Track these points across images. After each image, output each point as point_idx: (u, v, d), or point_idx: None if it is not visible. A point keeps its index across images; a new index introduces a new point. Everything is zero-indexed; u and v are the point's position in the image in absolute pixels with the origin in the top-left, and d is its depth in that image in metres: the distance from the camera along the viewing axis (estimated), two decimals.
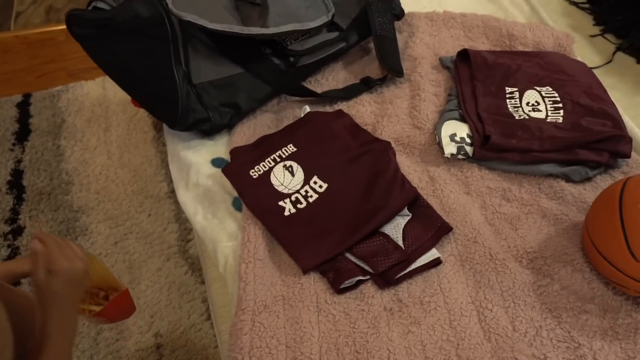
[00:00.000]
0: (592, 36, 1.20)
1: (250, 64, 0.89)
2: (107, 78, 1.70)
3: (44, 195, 1.40)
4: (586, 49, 1.16)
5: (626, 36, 1.18)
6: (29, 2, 2.03)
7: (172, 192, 1.41)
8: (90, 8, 0.92)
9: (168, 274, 1.26)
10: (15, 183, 1.41)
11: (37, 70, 1.76)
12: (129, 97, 1.62)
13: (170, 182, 1.42)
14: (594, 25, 1.23)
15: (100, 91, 1.69)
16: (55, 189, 1.41)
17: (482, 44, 1.10)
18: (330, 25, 0.97)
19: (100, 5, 0.90)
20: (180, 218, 1.36)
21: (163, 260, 1.27)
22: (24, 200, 1.38)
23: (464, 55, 1.02)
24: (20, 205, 1.37)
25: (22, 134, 1.54)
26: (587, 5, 1.28)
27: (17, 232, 1.32)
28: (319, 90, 0.97)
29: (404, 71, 1.01)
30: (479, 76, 0.96)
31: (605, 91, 0.95)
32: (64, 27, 2.15)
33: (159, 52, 0.83)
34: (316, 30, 0.93)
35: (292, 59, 0.92)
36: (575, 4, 1.29)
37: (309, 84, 0.99)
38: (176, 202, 1.38)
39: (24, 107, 1.62)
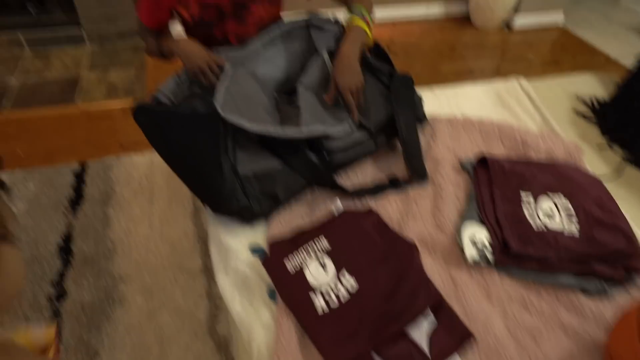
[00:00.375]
0: (599, 146, 1.31)
1: (289, 158, 1.01)
2: (155, 153, 1.90)
3: (88, 261, 1.51)
4: (594, 158, 1.27)
5: (632, 148, 1.29)
6: (93, 80, 2.28)
7: (206, 268, 1.51)
8: (153, 101, 1.10)
9: (197, 354, 1.30)
10: (65, 247, 1.54)
11: (95, 141, 1.96)
12: (172, 173, 1.78)
13: (205, 257, 1.52)
14: (600, 136, 1.35)
15: (147, 165, 1.85)
16: (99, 255, 1.53)
17: (498, 149, 1.22)
18: (361, 126, 1.10)
19: (162, 99, 1.07)
20: (212, 294, 1.43)
21: (192, 337, 1.33)
22: (70, 265, 1.50)
23: (483, 160, 1.13)
24: (67, 269, 1.49)
25: (76, 200, 1.70)
26: (592, 116, 1.41)
27: (61, 295, 1.42)
28: (348, 183, 1.09)
29: (428, 172, 1.12)
30: (496, 182, 1.07)
31: (615, 203, 1.04)
32: (122, 102, 2.40)
33: (210, 144, 0.96)
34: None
35: (326, 155, 1.04)
36: (582, 115, 1.42)
37: (340, 177, 1.11)
38: (208, 278, 1.48)
39: (79, 176, 1.79)
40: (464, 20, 3.09)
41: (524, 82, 1.51)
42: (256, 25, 1.20)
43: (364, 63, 1.13)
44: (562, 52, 2.82)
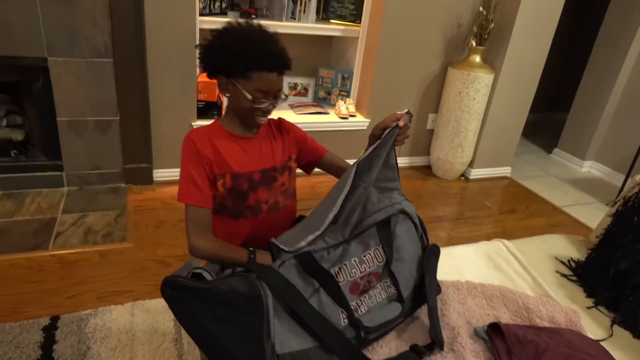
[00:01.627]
0: (588, 308, 1.41)
1: (325, 336, 0.99)
2: (136, 304, 1.82)
3: None
4: (585, 320, 1.35)
5: (616, 310, 1.39)
6: (70, 224, 2.21)
7: None
8: (189, 275, 1.07)
9: None
10: None
11: (67, 291, 1.83)
12: (155, 327, 1.67)
13: None
14: (586, 297, 1.46)
15: (127, 317, 1.73)
16: None
17: (503, 314, 1.28)
18: (398, 298, 1.13)
19: (204, 273, 1.05)
20: None
21: None
22: None
23: (495, 326, 1.18)
24: None
25: None
26: (574, 279, 1.53)
27: None
28: (375, 357, 1.08)
29: (446, 340, 1.15)
30: (515, 351, 1.11)
31: None
32: (100, 248, 2.32)
33: (252, 326, 0.93)
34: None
35: (362, 334, 1.05)
36: (566, 277, 1.54)
37: (367, 351, 1.10)
38: None
39: (49, 332, 1.63)
40: (426, 169, 3.40)
41: (508, 243, 1.65)
42: (279, 189, 1.28)
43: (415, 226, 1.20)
44: (516, 201, 3.13)
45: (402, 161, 3.35)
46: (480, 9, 2.87)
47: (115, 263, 2.02)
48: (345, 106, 3.03)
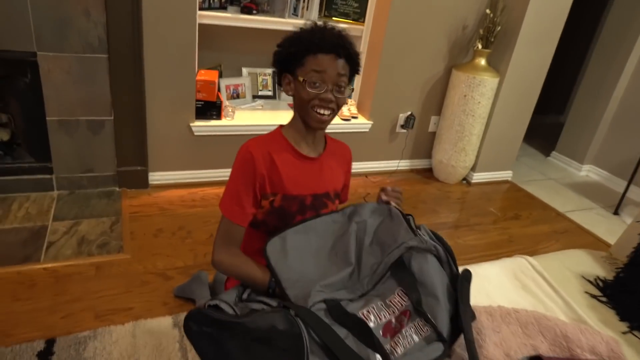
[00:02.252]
0: (623, 333, 1.35)
1: None
2: (137, 324, 1.70)
3: None
4: (623, 346, 1.29)
5: None
6: (62, 232, 2.06)
7: None
8: (206, 307, 0.97)
9: None
10: None
11: (62, 310, 1.70)
12: (160, 349, 1.56)
13: None
14: (619, 320, 1.40)
15: (129, 339, 1.62)
16: None
17: (541, 343, 1.22)
18: (438, 337, 1.05)
19: (222, 305, 0.95)
20: None
21: None
22: None
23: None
24: None
25: None
26: (604, 299, 1.48)
27: None
28: None
29: None
30: None
31: None
32: (95, 260, 2.16)
33: None
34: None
35: None
36: (596, 298, 1.48)
37: None
38: None
39: (45, 357, 1.50)
40: (427, 172, 3.33)
41: (532, 261, 1.58)
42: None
43: (436, 256, 1.12)
44: (519, 207, 3.09)
45: (402, 164, 3.28)
46: (487, 11, 2.79)
47: (112, 277, 1.89)
48: (347, 107, 2.93)
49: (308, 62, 1.08)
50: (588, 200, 3.34)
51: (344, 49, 1.09)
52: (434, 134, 3.26)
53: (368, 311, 0.98)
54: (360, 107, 3.06)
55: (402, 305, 1.03)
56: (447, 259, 1.13)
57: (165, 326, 1.70)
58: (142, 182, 2.51)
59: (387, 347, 0.97)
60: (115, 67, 2.21)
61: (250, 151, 1.10)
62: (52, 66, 2.11)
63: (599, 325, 1.35)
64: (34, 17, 1.99)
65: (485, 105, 2.92)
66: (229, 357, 0.91)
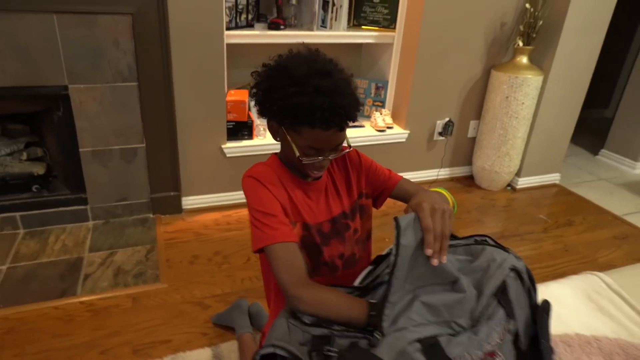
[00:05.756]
0: None
1: None
2: (176, 357, 1.61)
3: None
4: None
5: None
6: (98, 264, 2.03)
7: None
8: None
9: None
10: None
11: (100, 345, 1.64)
12: None
13: None
14: None
15: None
16: None
17: None
18: None
19: (279, 352, 0.83)
20: None
21: None
22: None
23: None
24: None
25: None
26: None
27: None
28: None
29: None
30: None
31: None
32: (132, 291, 2.07)
33: None
34: None
35: None
36: None
37: None
38: None
39: None
40: (468, 180, 3.16)
41: (605, 278, 1.41)
42: (352, 239, 1.07)
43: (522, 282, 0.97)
44: (571, 211, 2.88)
45: (442, 173, 3.12)
46: (527, 5, 2.63)
47: (149, 308, 1.83)
48: (382, 117, 2.82)
49: (304, 133, 0.92)
50: None
51: (347, 121, 0.93)
52: (473, 139, 3.09)
53: (468, 352, 0.82)
54: (395, 117, 2.94)
55: (495, 342, 0.88)
56: (529, 285, 0.98)
57: (206, 357, 1.61)
58: (175, 207, 2.47)
59: None
60: (145, 94, 2.18)
61: (259, 179, 0.99)
62: (84, 97, 2.09)
63: None
64: (64, 50, 1.98)
65: (530, 106, 2.74)
66: None
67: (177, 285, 1.97)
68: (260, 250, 0.96)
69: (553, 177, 3.23)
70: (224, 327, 1.75)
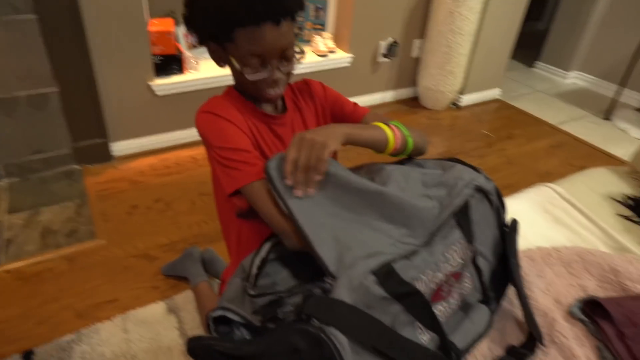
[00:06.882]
0: None
1: None
2: (127, 316, 1.50)
3: None
4: None
5: None
6: (20, 226, 1.81)
7: None
8: (212, 319, 0.76)
9: None
10: None
11: (36, 315, 1.48)
12: (158, 341, 1.39)
13: None
14: None
15: (121, 335, 1.43)
16: None
17: (588, 281, 1.08)
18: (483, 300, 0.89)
19: (231, 315, 0.74)
20: None
21: None
22: None
23: (593, 303, 0.97)
24: None
25: None
26: (637, 219, 1.34)
27: None
28: None
29: (543, 330, 0.93)
30: (628, 334, 0.90)
31: None
32: (65, 251, 1.89)
33: None
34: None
35: (455, 356, 0.80)
36: (629, 219, 1.34)
37: None
38: None
39: None
40: (413, 101, 3.11)
41: (557, 188, 1.42)
42: None
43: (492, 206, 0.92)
44: (511, 125, 2.93)
45: (388, 96, 3.04)
46: None
47: (88, 268, 1.67)
48: (323, 42, 2.63)
49: (239, 38, 0.80)
50: (578, 109, 3.21)
51: (285, 10, 0.80)
52: (417, 59, 3.00)
53: (424, 273, 0.77)
54: (337, 40, 2.76)
55: (457, 262, 0.83)
56: (498, 205, 0.93)
57: (160, 313, 1.52)
58: (103, 155, 2.23)
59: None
60: (48, 29, 1.85)
61: (213, 112, 0.85)
62: None
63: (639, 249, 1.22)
64: None
65: (474, 21, 2.66)
66: None
67: (117, 239, 1.81)
68: (236, 193, 0.84)
69: (494, 93, 3.25)
70: (176, 278, 1.65)
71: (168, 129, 2.37)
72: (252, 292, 0.77)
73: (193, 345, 0.73)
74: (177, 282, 1.64)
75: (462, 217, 0.86)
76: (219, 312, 0.74)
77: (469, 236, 0.87)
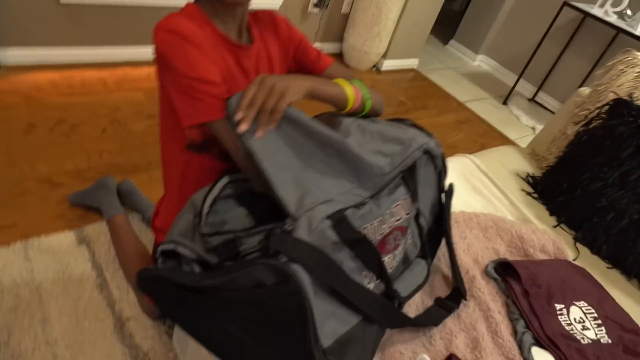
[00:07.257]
0: (554, 227, 1.45)
1: (370, 308, 0.78)
2: (29, 244, 1.36)
3: None
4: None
5: (578, 229, 1.45)
6: None
7: None
8: (158, 253, 0.73)
9: None
10: None
11: None
12: (67, 272, 1.28)
13: None
14: (550, 216, 1.49)
15: (22, 263, 1.28)
16: None
17: (500, 245, 1.23)
18: (422, 256, 0.97)
19: (180, 249, 0.72)
20: None
21: None
22: None
23: (505, 264, 1.12)
24: None
25: None
26: (536, 196, 1.55)
27: None
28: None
29: (465, 286, 1.05)
30: (531, 293, 1.07)
31: (615, 302, 1.14)
32: None
33: (290, 327, 0.67)
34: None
35: (397, 303, 0.88)
36: (530, 195, 1.54)
37: None
38: None
39: None
40: (337, 57, 3.12)
41: (475, 160, 1.57)
42: None
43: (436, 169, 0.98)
44: (426, 96, 3.11)
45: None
46: None
47: None
48: None
49: None
50: (482, 91, 3.51)
51: None
52: (347, 16, 2.99)
53: (371, 224, 0.82)
54: None
55: (402, 216, 0.89)
56: (441, 169, 1.01)
57: (68, 244, 1.40)
58: None
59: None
60: None
61: (178, 32, 0.77)
62: None
63: (536, 221, 1.42)
64: None
65: None
66: (206, 321, 0.71)
67: (12, 159, 1.59)
68: (197, 126, 0.78)
69: (413, 62, 3.39)
70: (85, 208, 1.51)
71: (73, 43, 2.07)
72: (205, 230, 0.74)
73: (144, 277, 0.70)
74: (86, 212, 1.51)
75: (409, 177, 0.92)
76: (171, 246, 0.72)
77: (414, 195, 0.93)
